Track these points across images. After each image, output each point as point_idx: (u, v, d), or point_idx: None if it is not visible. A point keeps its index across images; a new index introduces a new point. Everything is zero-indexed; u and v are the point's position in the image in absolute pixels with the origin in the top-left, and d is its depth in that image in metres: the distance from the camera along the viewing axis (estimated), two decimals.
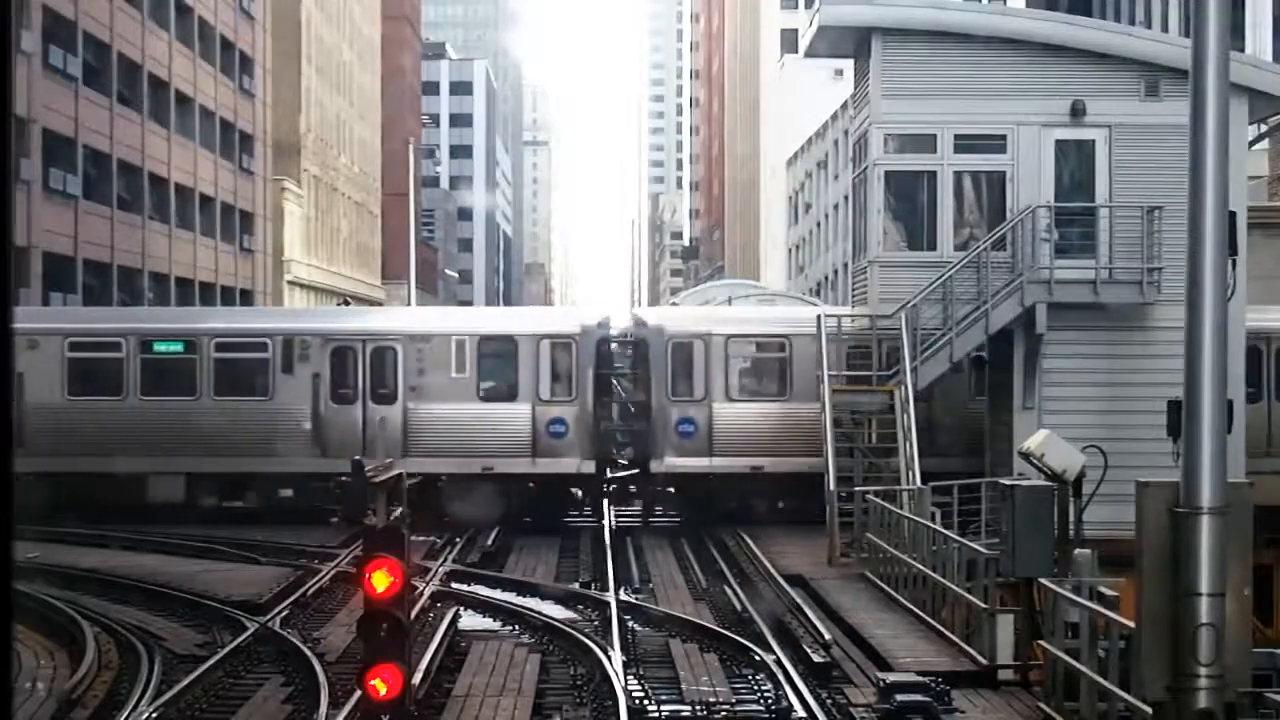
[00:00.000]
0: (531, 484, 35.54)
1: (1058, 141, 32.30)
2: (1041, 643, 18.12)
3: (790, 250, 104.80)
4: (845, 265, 63.34)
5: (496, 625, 23.79)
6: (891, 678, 18.20)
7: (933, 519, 25.56)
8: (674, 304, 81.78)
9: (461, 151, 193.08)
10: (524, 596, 26.36)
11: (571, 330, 35.93)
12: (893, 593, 24.87)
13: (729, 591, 26.48)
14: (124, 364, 35.80)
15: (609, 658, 19.88)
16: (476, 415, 35.28)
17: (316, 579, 27.09)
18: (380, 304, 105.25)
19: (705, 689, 19.06)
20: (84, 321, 40.55)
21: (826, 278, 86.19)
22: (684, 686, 19.27)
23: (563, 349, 35.48)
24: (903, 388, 30.93)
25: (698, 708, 18.17)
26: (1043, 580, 18.53)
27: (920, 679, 18.03)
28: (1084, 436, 25.93)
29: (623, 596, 25.84)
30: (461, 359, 35.49)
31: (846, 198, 57.61)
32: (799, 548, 30.68)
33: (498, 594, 26.51)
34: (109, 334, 36.70)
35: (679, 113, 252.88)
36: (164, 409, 35.51)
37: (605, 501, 37.78)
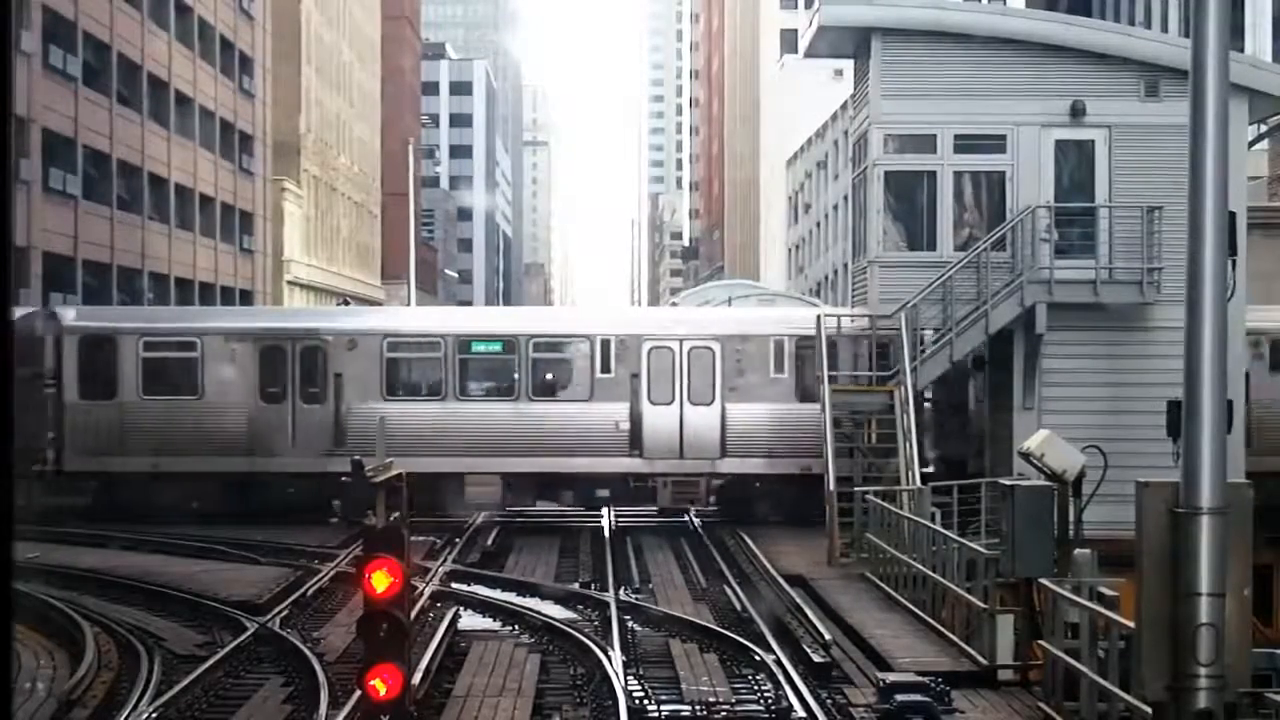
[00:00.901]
0: None
1: (1057, 142, 32.31)
2: (1041, 643, 18.11)
3: (790, 250, 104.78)
4: (845, 265, 63.34)
5: (496, 625, 23.78)
6: (891, 678, 18.20)
7: (932, 519, 25.56)
8: (674, 304, 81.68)
9: (461, 151, 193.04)
10: (524, 596, 26.34)
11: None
12: (893, 593, 24.87)
13: (729, 591, 26.47)
14: (443, 364, 35.73)
15: (609, 658, 19.88)
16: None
17: (316, 579, 27.09)
18: (380, 304, 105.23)
19: (705, 689, 19.06)
20: (401, 322, 40.12)
21: (826, 278, 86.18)
22: (684, 686, 19.27)
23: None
24: (902, 388, 30.93)
25: (697, 708, 18.17)
26: (1043, 580, 18.52)
27: (920, 679, 18.03)
28: (1084, 436, 25.96)
29: (622, 596, 25.84)
30: (780, 359, 35.41)
31: (846, 198, 57.61)
32: (799, 548, 30.68)
33: (497, 594, 26.50)
34: (429, 334, 36.52)
35: (679, 113, 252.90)
36: (482, 411, 35.56)
37: None
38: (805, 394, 34.72)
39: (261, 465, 35.45)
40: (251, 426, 35.51)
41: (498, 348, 35.99)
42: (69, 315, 37.75)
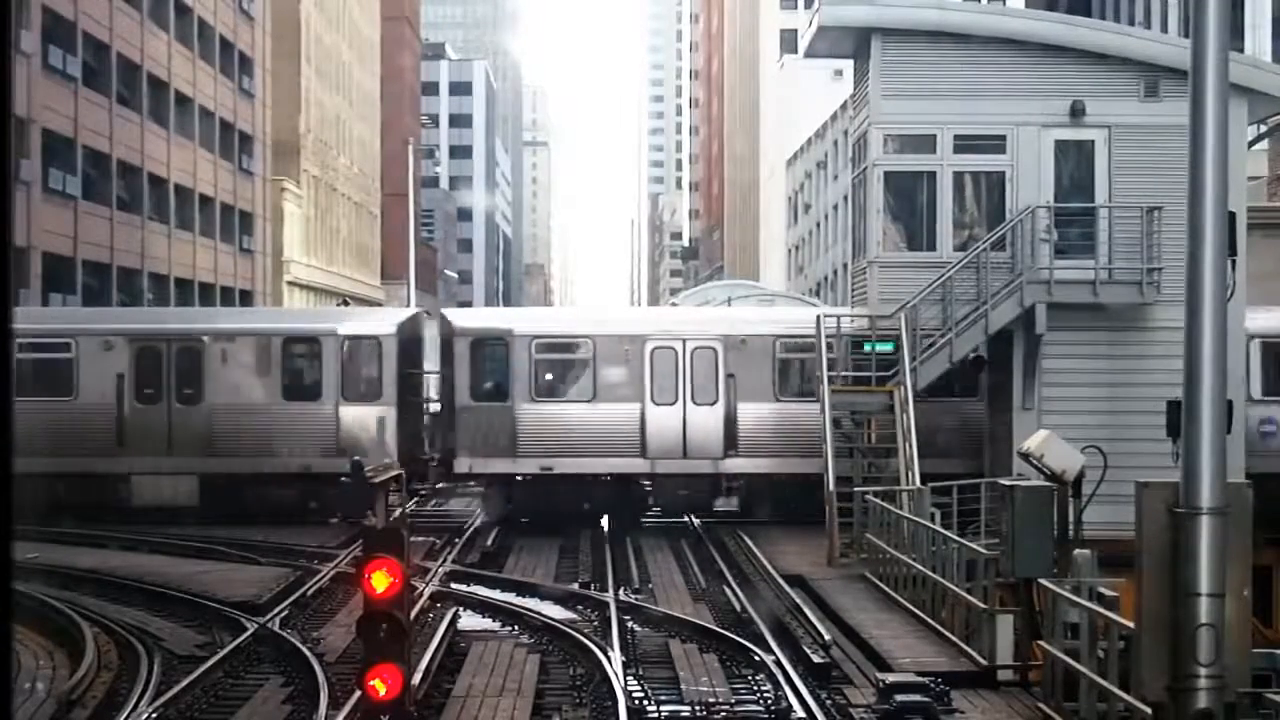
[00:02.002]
0: None
1: (1057, 142, 32.30)
2: (1041, 643, 18.11)
3: (790, 250, 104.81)
4: (845, 265, 63.35)
5: (496, 626, 23.79)
6: (891, 678, 18.20)
7: (932, 519, 25.55)
8: (673, 304, 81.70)
9: (461, 152, 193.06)
10: (523, 597, 26.36)
11: None
12: (892, 593, 24.87)
13: (728, 592, 26.47)
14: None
15: (608, 658, 19.88)
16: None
17: (316, 579, 27.10)
18: (380, 304, 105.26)
19: (705, 689, 19.06)
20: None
21: (826, 278, 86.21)
22: (683, 687, 19.27)
23: None
24: (902, 388, 30.93)
25: (697, 708, 18.17)
26: (1042, 580, 18.52)
27: (920, 679, 18.03)
28: (1083, 437, 25.95)
29: (622, 597, 25.85)
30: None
31: (846, 198, 57.62)
32: (798, 548, 30.68)
33: (497, 594, 26.51)
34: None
35: (679, 113, 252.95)
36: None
37: None
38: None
39: None
40: None
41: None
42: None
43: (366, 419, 35.81)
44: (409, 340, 37.47)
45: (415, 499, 38.58)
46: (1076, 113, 32.04)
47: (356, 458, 28.89)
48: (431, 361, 39.24)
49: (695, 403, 35.15)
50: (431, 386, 40.02)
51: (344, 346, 36.23)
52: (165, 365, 36.23)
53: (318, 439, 35.75)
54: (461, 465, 35.51)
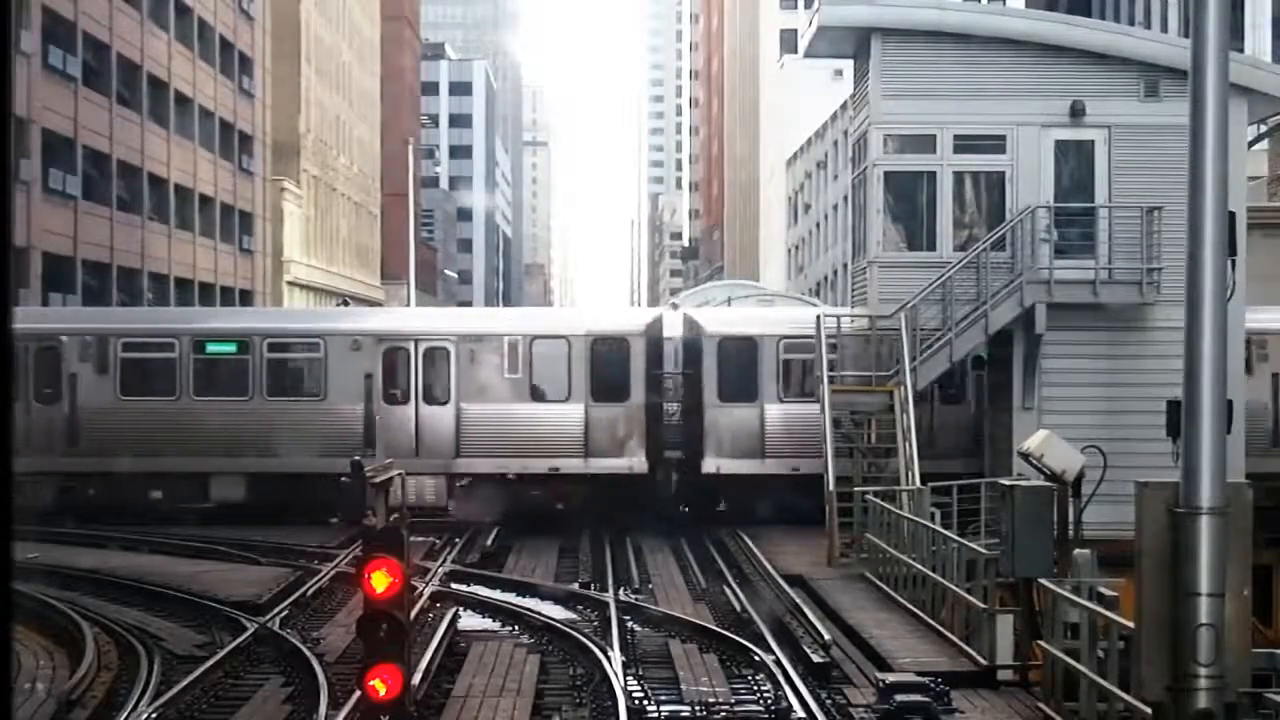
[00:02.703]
0: None
1: (1057, 142, 32.30)
2: (1041, 643, 18.11)
3: (790, 250, 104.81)
4: (845, 266, 63.35)
5: (496, 626, 23.78)
6: (891, 678, 18.20)
7: (932, 519, 25.55)
8: (673, 304, 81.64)
9: (461, 152, 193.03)
10: (523, 597, 26.35)
11: None
12: (892, 593, 24.87)
13: (728, 592, 26.47)
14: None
15: (608, 658, 19.88)
16: None
17: (316, 579, 27.09)
18: (380, 304, 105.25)
19: (705, 689, 19.06)
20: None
21: (826, 278, 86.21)
22: (683, 687, 19.26)
23: None
24: (902, 388, 30.93)
25: (697, 708, 18.16)
26: (1042, 580, 18.52)
27: (920, 679, 18.03)
28: (1083, 437, 25.96)
29: (622, 597, 25.84)
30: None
31: (846, 198, 57.62)
32: (798, 548, 30.67)
33: (497, 594, 26.51)
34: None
35: (678, 113, 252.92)
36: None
37: None
38: None
39: None
40: None
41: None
42: None
43: (614, 419, 35.72)
44: (654, 341, 37.34)
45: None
46: (1076, 113, 32.04)
47: (356, 458, 28.87)
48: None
49: (942, 403, 35.17)
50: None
51: (591, 346, 35.95)
52: (411, 366, 36.07)
53: (564, 439, 35.47)
54: (709, 466, 35.63)
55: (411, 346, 36.15)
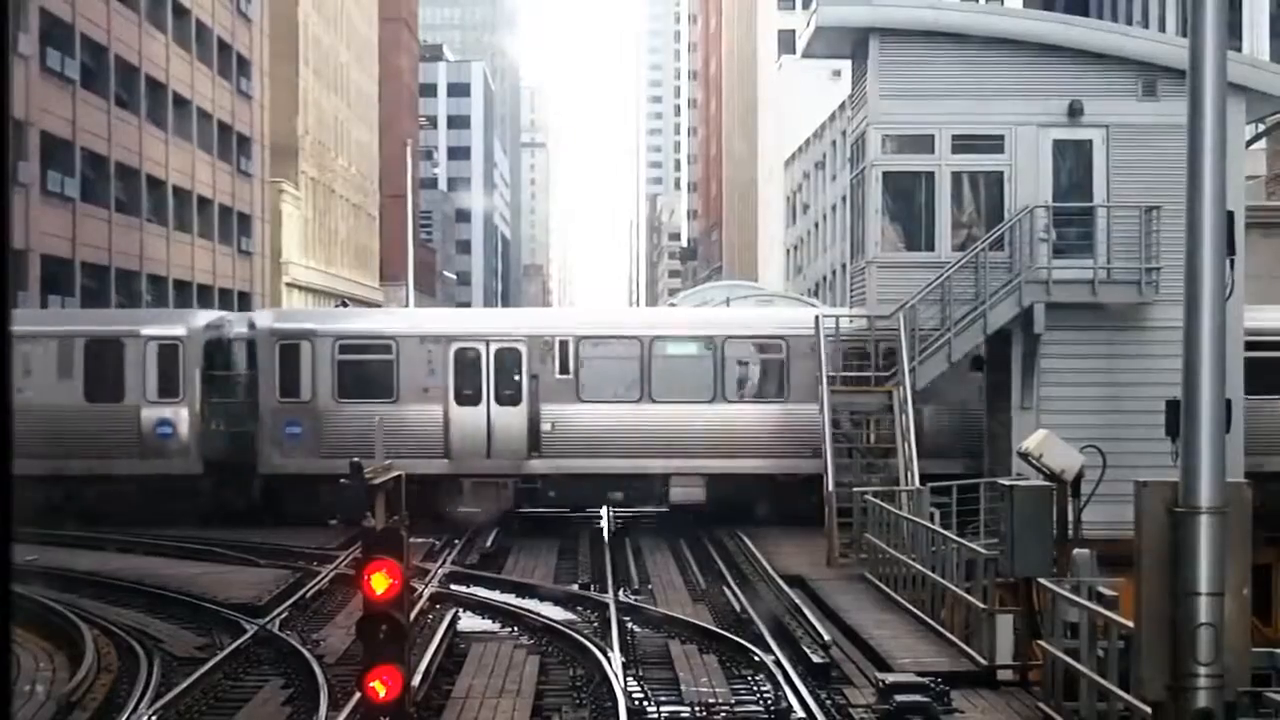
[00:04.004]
0: None
1: (1055, 141, 32.30)
2: (1041, 643, 18.11)
3: (788, 251, 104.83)
4: (843, 266, 63.35)
5: (495, 627, 23.79)
6: (891, 678, 18.21)
7: (931, 519, 25.55)
8: (672, 304, 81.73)
9: (459, 153, 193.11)
10: (523, 598, 26.34)
11: None
12: (892, 593, 24.87)
13: (728, 592, 26.48)
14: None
15: (608, 659, 19.88)
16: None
17: (316, 581, 27.09)
18: (378, 306, 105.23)
19: (704, 690, 19.06)
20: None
21: (825, 278, 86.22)
22: (683, 688, 19.26)
23: None
24: (901, 388, 30.94)
25: (697, 709, 18.17)
26: (1042, 580, 18.52)
27: (919, 679, 18.05)
28: (1082, 436, 25.95)
29: (622, 598, 25.84)
30: None
31: (844, 198, 57.63)
32: (798, 549, 30.67)
33: (496, 595, 26.51)
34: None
35: (677, 114, 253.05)
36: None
37: None
38: None
39: None
40: None
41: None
42: None
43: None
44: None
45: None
46: (1074, 112, 32.04)
47: (356, 459, 28.79)
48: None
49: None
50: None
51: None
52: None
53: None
54: None
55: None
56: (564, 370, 35.61)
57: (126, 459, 35.67)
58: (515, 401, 35.44)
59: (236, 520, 34.91)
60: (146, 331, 36.69)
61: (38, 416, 34.35)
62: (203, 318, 38.81)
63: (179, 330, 36.83)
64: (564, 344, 35.67)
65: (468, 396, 35.49)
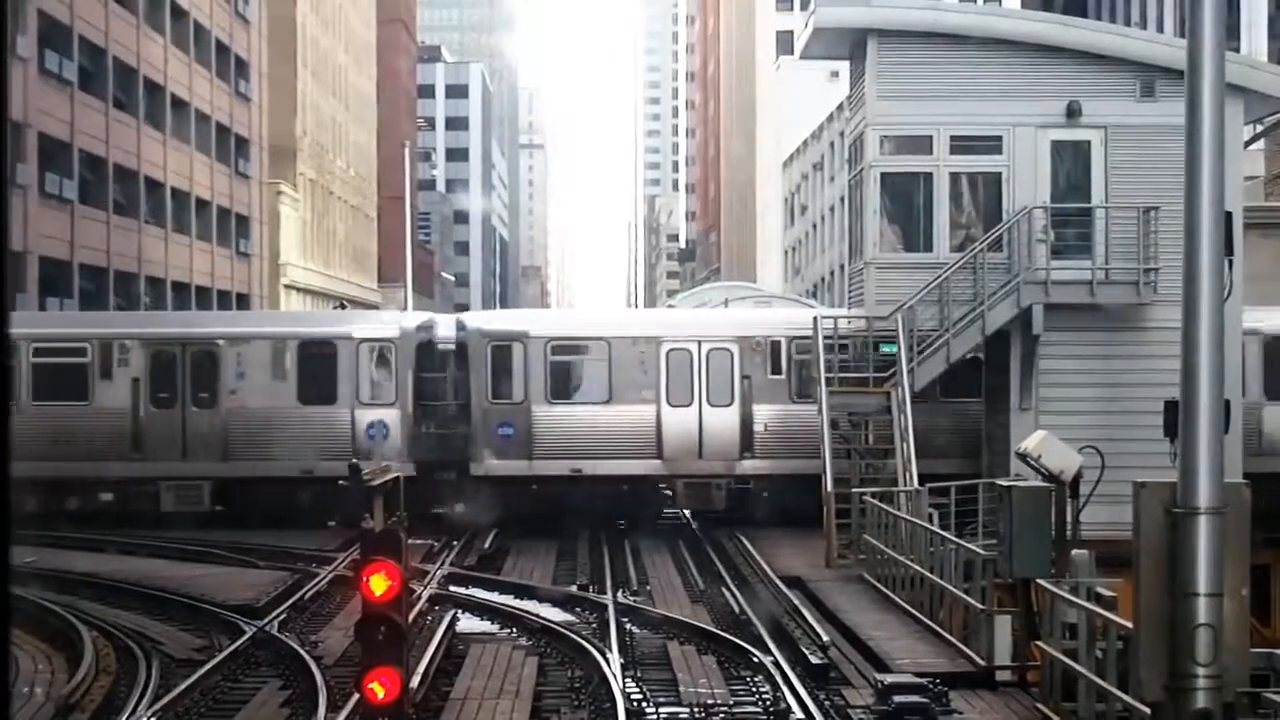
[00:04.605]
0: None
1: (1054, 142, 32.30)
2: (1039, 643, 18.11)
3: (787, 252, 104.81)
4: (842, 267, 63.36)
5: (494, 628, 23.79)
6: (889, 679, 18.22)
7: (930, 520, 25.54)
8: (670, 305, 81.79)
9: (457, 154, 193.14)
10: (522, 599, 26.34)
11: None
12: (890, 594, 24.87)
13: (727, 593, 26.47)
14: None
15: (607, 660, 19.88)
16: None
17: (314, 582, 27.09)
18: (376, 307, 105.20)
19: (703, 691, 19.06)
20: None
21: (823, 279, 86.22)
22: (682, 689, 19.26)
23: None
24: (899, 389, 30.94)
25: (696, 710, 18.17)
26: (1040, 581, 18.52)
27: (918, 680, 18.05)
28: (1081, 437, 25.93)
29: (620, 599, 25.84)
30: None
31: (843, 199, 57.64)
32: (796, 549, 30.67)
33: (495, 597, 26.51)
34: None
35: (675, 115, 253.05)
36: None
37: None
38: None
39: None
40: None
41: None
42: None
43: None
44: None
45: None
46: (1073, 113, 32.04)
47: (354, 460, 28.83)
48: None
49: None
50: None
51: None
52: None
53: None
54: None
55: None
56: (775, 370, 35.72)
57: (338, 461, 35.48)
58: (727, 402, 35.51)
59: (439, 525, 34.74)
60: (360, 333, 36.67)
61: (252, 418, 35.04)
62: (413, 319, 38.66)
63: (392, 332, 36.79)
64: (775, 345, 35.77)
65: (680, 397, 35.61)
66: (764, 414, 35.54)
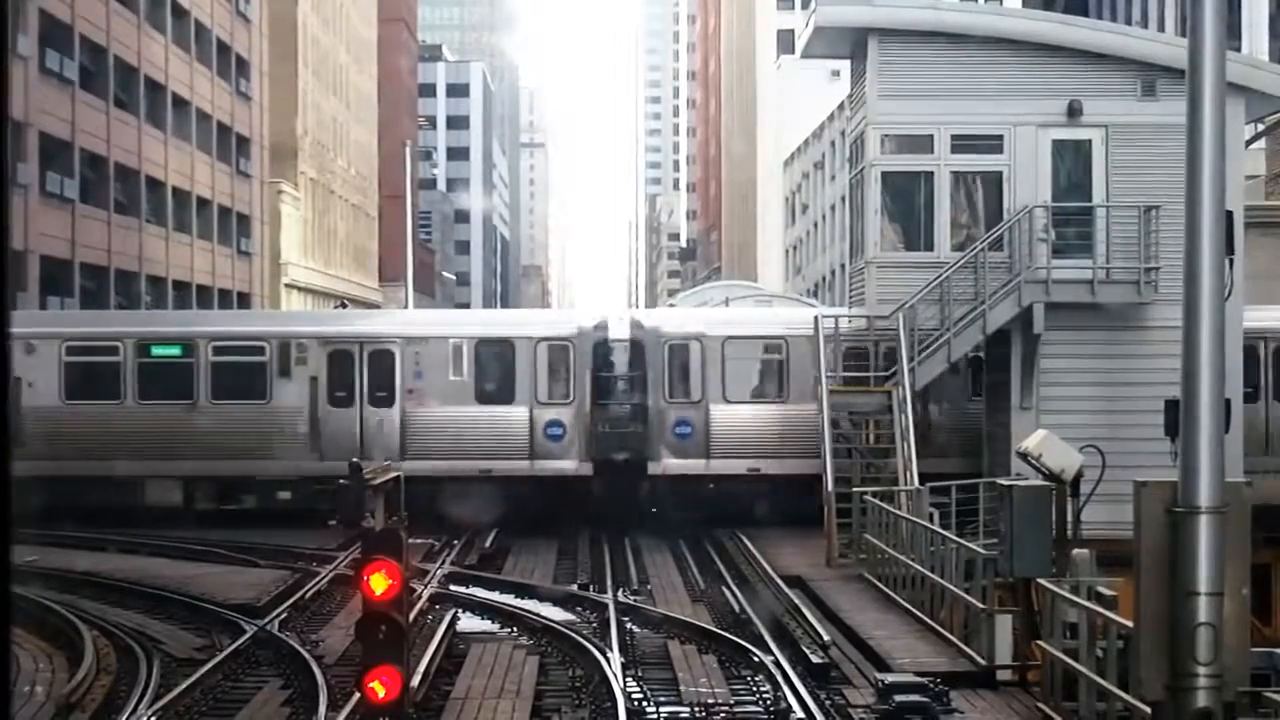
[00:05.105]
0: None
1: (1054, 141, 32.30)
2: (1040, 643, 18.11)
3: (787, 251, 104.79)
4: (843, 266, 63.36)
5: (495, 627, 23.79)
6: (890, 678, 18.21)
7: (931, 519, 25.54)
8: (671, 305, 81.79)
9: (458, 154, 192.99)
10: (522, 598, 26.34)
11: None
12: (891, 593, 24.87)
13: (727, 593, 26.47)
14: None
15: (607, 659, 19.88)
16: None
17: (315, 582, 27.08)
18: (377, 307, 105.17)
19: (704, 690, 19.06)
20: None
21: (824, 279, 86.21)
22: (682, 688, 19.27)
23: None
24: (900, 388, 30.94)
25: (696, 709, 18.17)
26: (1041, 580, 18.52)
27: (919, 679, 18.05)
28: (1082, 436, 25.93)
29: (621, 598, 25.84)
30: None
31: (843, 198, 57.63)
32: (797, 549, 30.67)
33: (496, 596, 26.51)
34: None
35: (676, 114, 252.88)
36: None
37: None
38: None
39: None
40: None
41: None
42: None
43: None
44: None
45: None
46: (1074, 112, 32.04)
47: (354, 459, 28.83)
48: None
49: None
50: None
51: None
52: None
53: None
54: None
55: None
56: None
57: (516, 460, 35.59)
58: None
59: (625, 523, 34.83)
60: (538, 333, 36.67)
61: (432, 417, 35.35)
62: (590, 318, 38.67)
63: (570, 331, 36.77)
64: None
65: None
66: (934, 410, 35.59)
